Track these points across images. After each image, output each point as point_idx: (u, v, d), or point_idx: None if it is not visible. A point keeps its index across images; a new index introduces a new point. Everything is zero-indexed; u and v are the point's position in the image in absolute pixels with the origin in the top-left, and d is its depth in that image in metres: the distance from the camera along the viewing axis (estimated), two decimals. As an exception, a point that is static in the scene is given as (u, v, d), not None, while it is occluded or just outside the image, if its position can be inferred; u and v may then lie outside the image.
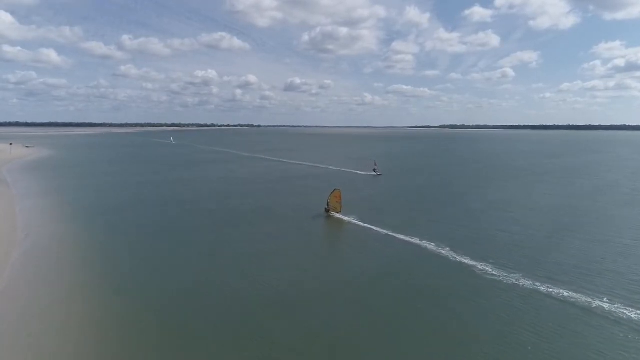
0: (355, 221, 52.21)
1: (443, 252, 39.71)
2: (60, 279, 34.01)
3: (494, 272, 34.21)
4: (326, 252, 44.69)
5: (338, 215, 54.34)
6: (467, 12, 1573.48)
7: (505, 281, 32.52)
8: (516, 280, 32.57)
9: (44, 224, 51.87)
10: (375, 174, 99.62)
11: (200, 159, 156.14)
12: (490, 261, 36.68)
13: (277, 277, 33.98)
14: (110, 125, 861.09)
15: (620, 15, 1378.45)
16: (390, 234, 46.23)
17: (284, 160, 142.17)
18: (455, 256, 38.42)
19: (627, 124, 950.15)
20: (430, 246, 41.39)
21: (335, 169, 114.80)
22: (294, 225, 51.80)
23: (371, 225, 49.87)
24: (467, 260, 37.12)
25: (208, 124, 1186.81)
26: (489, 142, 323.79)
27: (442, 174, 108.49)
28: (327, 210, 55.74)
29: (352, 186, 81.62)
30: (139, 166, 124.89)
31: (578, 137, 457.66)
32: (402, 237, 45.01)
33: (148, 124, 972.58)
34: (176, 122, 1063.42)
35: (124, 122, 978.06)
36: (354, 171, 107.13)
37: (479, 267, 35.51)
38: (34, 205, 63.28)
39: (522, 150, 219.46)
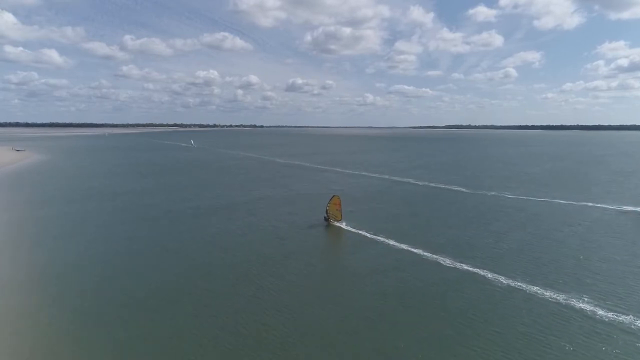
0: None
1: None
2: None
3: None
4: None
5: (338, 224, 50.14)
6: (471, 11, 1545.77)
7: None
8: None
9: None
10: None
11: (237, 166, 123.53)
12: None
13: None
14: (111, 125, 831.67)
15: (625, 14, 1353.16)
16: None
17: (343, 171, 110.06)
18: None
19: (638, 124, 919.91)
20: None
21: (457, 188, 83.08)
22: None
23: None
24: None
25: (210, 124, 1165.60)
26: (550, 144, 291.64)
27: None
28: (327, 219, 51.51)
29: None
30: (167, 179, 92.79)
31: (613, 137, 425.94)
32: None
33: (149, 124, 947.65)
34: (177, 122, 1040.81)
35: (124, 122, 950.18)
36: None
37: None
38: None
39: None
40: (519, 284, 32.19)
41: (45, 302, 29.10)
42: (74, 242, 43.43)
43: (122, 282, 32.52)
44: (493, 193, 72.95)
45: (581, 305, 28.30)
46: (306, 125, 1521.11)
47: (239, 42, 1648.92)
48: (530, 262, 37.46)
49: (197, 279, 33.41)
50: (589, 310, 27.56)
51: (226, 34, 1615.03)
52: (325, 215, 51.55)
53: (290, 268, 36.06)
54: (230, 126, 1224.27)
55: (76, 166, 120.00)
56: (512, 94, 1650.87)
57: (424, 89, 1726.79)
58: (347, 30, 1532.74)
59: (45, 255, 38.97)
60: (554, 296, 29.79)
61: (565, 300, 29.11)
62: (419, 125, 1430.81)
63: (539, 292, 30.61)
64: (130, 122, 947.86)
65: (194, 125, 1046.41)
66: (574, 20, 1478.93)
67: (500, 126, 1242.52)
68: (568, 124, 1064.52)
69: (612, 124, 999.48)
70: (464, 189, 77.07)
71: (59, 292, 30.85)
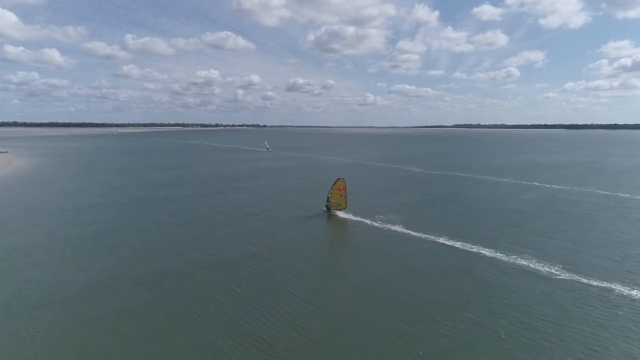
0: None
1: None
2: None
3: None
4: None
5: (343, 214, 42.76)
6: (475, 10, 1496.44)
7: None
8: None
9: None
10: None
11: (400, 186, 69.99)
12: None
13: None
14: (111, 125, 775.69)
15: (632, 13, 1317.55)
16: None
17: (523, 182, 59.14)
18: None
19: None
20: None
21: None
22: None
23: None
24: None
25: (212, 124, 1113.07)
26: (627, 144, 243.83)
27: None
28: (328, 208, 44.57)
29: None
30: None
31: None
32: None
33: (151, 124, 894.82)
34: (178, 122, 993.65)
35: (124, 122, 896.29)
36: None
37: None
38: None
39: None
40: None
41: None
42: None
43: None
44: None
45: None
46: (306, 125, 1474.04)
47: (241, 42, 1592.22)
48: None
49: None
50: None
51: (229, 33, 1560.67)
52: (327, 203, 44.20)
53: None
54: (233, 126, 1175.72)
55: (70, 181, 66.67)
56: (512, 94, 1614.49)
57: (425, 89, 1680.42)
58: (351, 30, 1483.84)
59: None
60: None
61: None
62: (420, 125, 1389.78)
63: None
64: (130, 122, 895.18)
65: (196, 125, 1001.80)
66: (579, 19, 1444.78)
67: (512, 125, 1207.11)
68: (578, 123, 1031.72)
69: (628, 123, 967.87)
70: None
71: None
